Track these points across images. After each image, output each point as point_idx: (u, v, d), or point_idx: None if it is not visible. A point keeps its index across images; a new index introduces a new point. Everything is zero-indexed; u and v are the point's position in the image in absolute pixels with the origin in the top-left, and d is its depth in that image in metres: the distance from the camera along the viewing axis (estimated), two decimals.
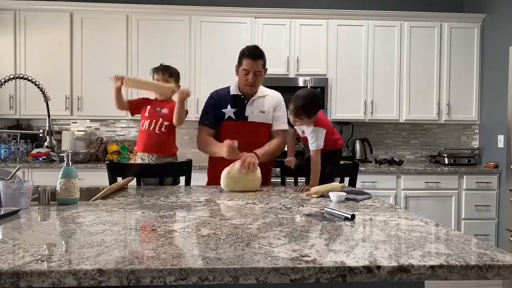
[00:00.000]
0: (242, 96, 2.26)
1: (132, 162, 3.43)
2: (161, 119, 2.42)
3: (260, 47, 2.21)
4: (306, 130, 2.21)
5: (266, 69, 2.25)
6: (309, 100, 2.09)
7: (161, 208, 1.50)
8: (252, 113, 2.25)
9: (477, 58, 4.01)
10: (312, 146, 2.15)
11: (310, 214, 1.43)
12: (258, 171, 2.03)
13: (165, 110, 2.46)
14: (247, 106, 2.25)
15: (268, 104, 2.29)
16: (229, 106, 2.25)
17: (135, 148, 3.92)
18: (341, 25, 3.91)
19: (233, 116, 2.24)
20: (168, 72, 2.51)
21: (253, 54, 2.16)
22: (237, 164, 1.98)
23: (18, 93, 3.76)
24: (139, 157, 2.50)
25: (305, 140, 2.27)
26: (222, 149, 2.08)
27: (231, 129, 2.23)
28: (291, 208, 1.53)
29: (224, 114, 2.25)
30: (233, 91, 2.28)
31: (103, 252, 0.94)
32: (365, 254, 0.96)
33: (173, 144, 2.52)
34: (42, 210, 1.46)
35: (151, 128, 2.42)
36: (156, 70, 2.54)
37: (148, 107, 2.48)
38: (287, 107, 2.25)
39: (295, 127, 2.32)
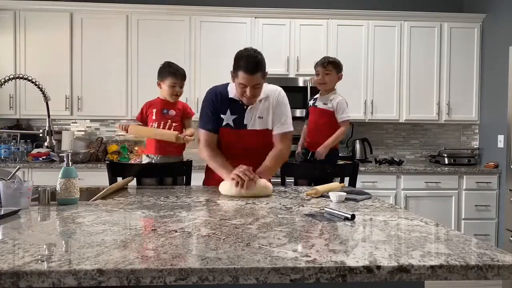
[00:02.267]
0: (241, 102, 2.05)
1: (132, 162, 3.43)
2: (169, 121, 2.40)
3: (258, 56, 1.93)
4: (334, 101, 2.50)
5: (267, 73, 2.01)
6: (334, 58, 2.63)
7: (161, 208, 1.50)
8: (251, 120, 2.06)
9: (477, 58, 4.01)
10: (343, 118, 2.50)
11: (310, 214, 1.43)
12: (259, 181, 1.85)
13: (172, 112, 2.45)
14: (246, 113, 2.06)
15: (266, 107, 2.09)
16: (228, 112, 2.06)
17: (135, 148, 3.96)
18: (341, 25, 3.91)
19: (232, 124, 2.06)
20: (184, 77, 2.48)
21: (249, 69, 1.88)
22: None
23: (18, 93, 3.76)
24: (150, 158, 2.46)
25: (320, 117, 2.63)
26: (228, 178, 1.87)
27: (230, 136, 2.08)
28: (291, 208, 1.53)
29: (223, 120, 2.07)
30: (231, 93, 2.06)
31: (103, 252, 0.94)
32: (365, 254, 0.96)
33: (183, 144, 2.48)
34: (42, 210, 1.46)
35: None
36: (173, 74, 2.42)
37: (154, 110, 2.45)
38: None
39: (318, 100, 2.62)
